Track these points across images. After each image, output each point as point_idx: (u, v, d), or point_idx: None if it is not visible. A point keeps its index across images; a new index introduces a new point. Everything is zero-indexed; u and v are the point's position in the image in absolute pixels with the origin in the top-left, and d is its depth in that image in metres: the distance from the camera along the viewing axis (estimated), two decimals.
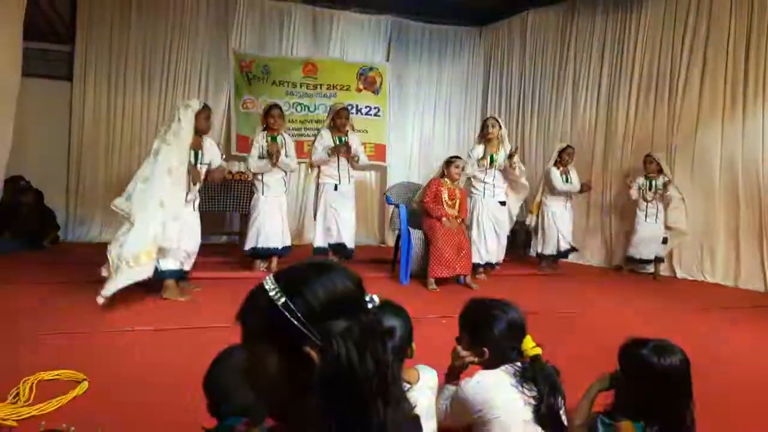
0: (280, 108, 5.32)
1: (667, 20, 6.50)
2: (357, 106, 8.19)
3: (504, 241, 5.78)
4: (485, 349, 1.63)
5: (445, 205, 5.24)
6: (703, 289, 5.69)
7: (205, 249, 6.43)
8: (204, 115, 4.21)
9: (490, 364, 1.61)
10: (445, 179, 5.34)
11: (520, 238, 7.81)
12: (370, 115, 8.30)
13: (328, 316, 0.83)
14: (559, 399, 1.55)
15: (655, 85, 6.60)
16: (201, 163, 4.31)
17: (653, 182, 6.15)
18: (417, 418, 0.98)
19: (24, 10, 3.92)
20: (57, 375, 2.40)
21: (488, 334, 1.62)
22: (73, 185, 7.16)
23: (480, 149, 5.61)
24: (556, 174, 6.30)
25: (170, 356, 2.85)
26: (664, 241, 6.14)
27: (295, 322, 0.81)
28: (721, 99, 5.98)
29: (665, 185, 6.07)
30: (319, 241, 5.45)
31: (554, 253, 6.38)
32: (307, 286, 0.85)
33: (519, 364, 1.57)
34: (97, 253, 4.63)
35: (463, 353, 1.71)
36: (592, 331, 3.71)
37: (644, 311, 4.51)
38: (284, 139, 5.31)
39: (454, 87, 8.92)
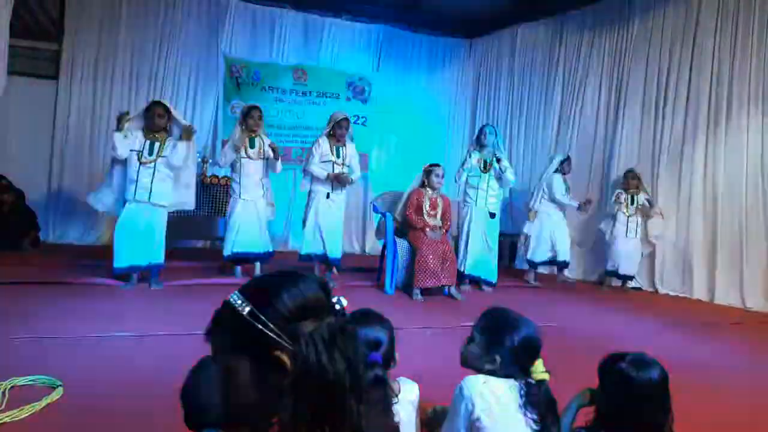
0: (260, 110, 5.24)
1: (653, 37, 6.60)
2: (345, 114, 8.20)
3: (496, 257, 5.76)
4: (498, 357, 1.58)
5: (426, 215, 5.20)
6: (686, 304, 5.74)
7: (186, 253, 6.51)
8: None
9: (497, 375, 1.58)
10: (426, 188, 5.32)
11: (504, 250, 7.85)
12: (358, 123, 8.31)
13: (296, 320, 0.85)
14: (557, 429, 1.53)
15: (642, 101, 6.69)
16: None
17: (635, 197, 6.22)
18: (391, 412, 0.98)
19: (12, 6, 3.87)
20: (31, 381, 2.34)
21: (507, 342, 1.57)
22: (55, 186, 7.06)
23: (476, 155, 5.67)
24: (559, 181, 6.35)
25: (149, 363, 2.80)
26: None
27: (263, 328, 0.82)
28: (705, 116, 6.06)
29: (649, 202, 6.19)
30: (307, 249, 5.36)
31: (545, 260, 6.39)
32: (274, 294, 0.86)
33: (523, 383, 1.53)
34: (78, 255, 4.59)
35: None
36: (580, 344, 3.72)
37: (628, 325, 4.53)
38: (262, 141, 5.22)
39: (443, 97, 8.98)
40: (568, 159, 6.53)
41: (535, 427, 1.49)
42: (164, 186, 4.59)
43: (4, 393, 2.19)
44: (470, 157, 5.68)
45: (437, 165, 5.38)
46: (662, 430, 1.50)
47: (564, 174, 6.44)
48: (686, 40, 6.28)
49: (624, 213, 6.21)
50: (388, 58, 8.58)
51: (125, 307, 3.96)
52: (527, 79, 8.13)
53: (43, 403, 2.14)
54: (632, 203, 6.21)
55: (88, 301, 3.98)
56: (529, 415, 1.49)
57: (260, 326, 0.82)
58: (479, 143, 5.70)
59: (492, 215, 5.66)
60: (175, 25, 7.46)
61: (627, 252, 6.21)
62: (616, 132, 6.94)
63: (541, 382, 1.54)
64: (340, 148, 5.36)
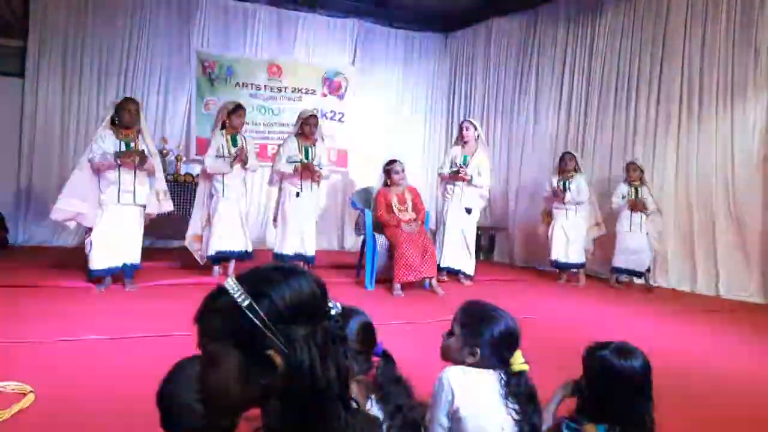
0: (244, 108, 5.22)
1: (625, 28, 6.68)
2: (322, 110, 8.13)
3: (473, 251, 5.85)
4: (477, 350, 1.58)
5: (397, 211, 5.21)
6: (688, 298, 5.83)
7: (160, 253, 6.39)
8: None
9: (477, 367, 1.58)
10: (390, 186, 5.32)
11: (481, 243, 7.92)
12: (335, 120, 8.26)
13: (292, 320, 0.82)
14: (538, 419, 1.54)
15: (614, 93, 6.77)
16: None
17: (638, 190, 5.90)
18: (377, 420, 0.97)
19: None
20: (1, 387, 2.27)
21: (486, 334, 1.58)
22: (24, 186, 6.86)
23: (457, 150, 5.81)
24: (551, 182, 6.22)
25: (124, 366, 2.73)
26: None
27: (260, 325, 0.80)
28: (677, 108, 6.16)
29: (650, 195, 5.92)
30: (280, 248, 5.33)
31: (563, 260, 6.13)
32: (273, 288, 0.83)
33: (503, 374, 1.54)
34: (48, 257, 4.47)
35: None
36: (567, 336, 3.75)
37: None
38: (244, 140, 5.21)
39: (419, 92, 8.97)
40: (566, 154, 6.26)
41: (516, 417, 1.49)
42: (145, 185, 4.51)
43: None
44: (446, 155, 5.86)
45: (394, 161, 5.41)
46: (644, 418, 1.52)
47: (563, 173, 6.15)
48: (657, 31, 6.36)
49: (627, 207, 5.87)
50: (364, 53, 8.52)
51: (99, 309, 3.86)
52: (503, 72, 8.17)
53: (14, 409, 2.07)
54: (636, 197, 5.87)
55: (59, 304, 3.88)
56: (510, 405, 1.50)
57: (258, 322, 0.80)
58: (462, 139, 5.87)
59: (468, 210, 5.79)
60: (145, 19, 7.29)
61: (634, 248, 5.83)
62: (589, 123, 7.02)
63: (520, 372, 1.55)
64: (309, 148, 5.31)
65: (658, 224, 5.97)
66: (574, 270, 6.19)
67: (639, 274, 5.94)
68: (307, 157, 5.26)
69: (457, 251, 5.71)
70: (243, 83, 7.77)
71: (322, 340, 0.83)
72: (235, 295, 0.82)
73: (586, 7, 7.14)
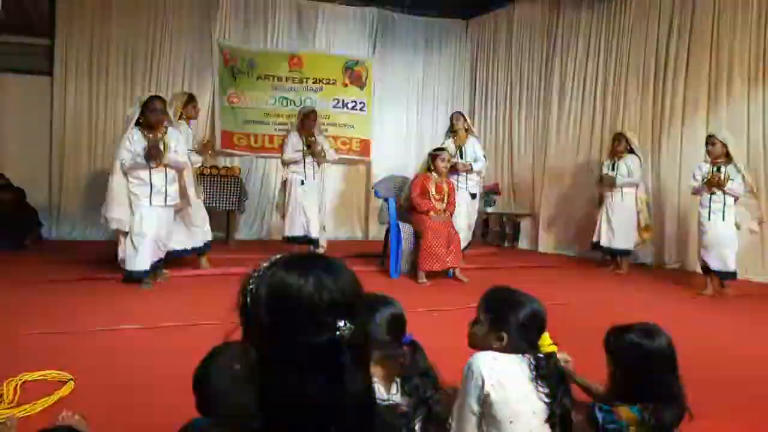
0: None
1: (652, 9, 6.52)
2: (343, 100, 8.16)
3: (470, 231, 6.24)
4: (504, 335, 1.58)
5: (432, 200, 5.23)
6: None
7: None
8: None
9: (505, 352, 1.58)
10: (432, 173, 5.33)
11: (506, 230, 7.90)
12: (356, 110, 8.26)
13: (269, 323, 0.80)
14: (569, 400, 1.54)
15: (641, 75, 6.62)
16: None
17: (722, 169, 4.75)
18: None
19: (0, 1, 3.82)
20: (42, 375, 2.35)
21: (512, 318, 1.58)
22: (56, 183, 7.04)
23: (449, 143, 6.10)
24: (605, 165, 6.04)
25: (158, 355, 2.80)
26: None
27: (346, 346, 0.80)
28: (706, 90, 6.01)
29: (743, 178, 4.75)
30: (290, 231, 5.70)
31: (605, 244, 5.92)
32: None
33: (532, 357, 1.54)
34: (80, 252, 4.59)
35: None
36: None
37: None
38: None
39: (441, 79, 8.91)
40: (618, 135, 6.00)
41: (546, 399, 1.49)
42: (175, 186, 4.46)
43: (15, 388, 2.20)
44: (444, 144, 6.09)
45: (443, 149, 5.52)
46: (677, 393, 1.53)
47: (614, 155, 5.94)
48: (684, 11, 6.20)
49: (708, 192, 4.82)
50: (385, 42, 8.49)
51: (132, 300, 3.96)
52: (525, 57, 8.05)
53: (55, 397, 2.15)
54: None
55: (96, 296, 3.99)
56: (540, 388, 1.50)
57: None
58: (452, 129, 6.28)
59: (474, 195, 6.19)
60: (168, 15, 7.39)
61: (719, 240, 4.75)
62: (618, 107, 6.88)
63: (549, 355, 1.55)
64: (310, 138, 5.74)
65: (754, 210, 4.88)
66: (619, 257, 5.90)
67: (725, 275, 4.73)
68: (308, 148, 5.71)
69: (463, 235, 5.80)
70: (265, 75, 7.82)
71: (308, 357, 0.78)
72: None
73: None
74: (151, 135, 4.29)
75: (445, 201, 5.30)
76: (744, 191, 4.71)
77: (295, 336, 0.78)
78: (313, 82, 8.04)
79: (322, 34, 8.17)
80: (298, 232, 5.67)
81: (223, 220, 7.24)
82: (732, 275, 4.73)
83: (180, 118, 5.00)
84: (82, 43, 7.03)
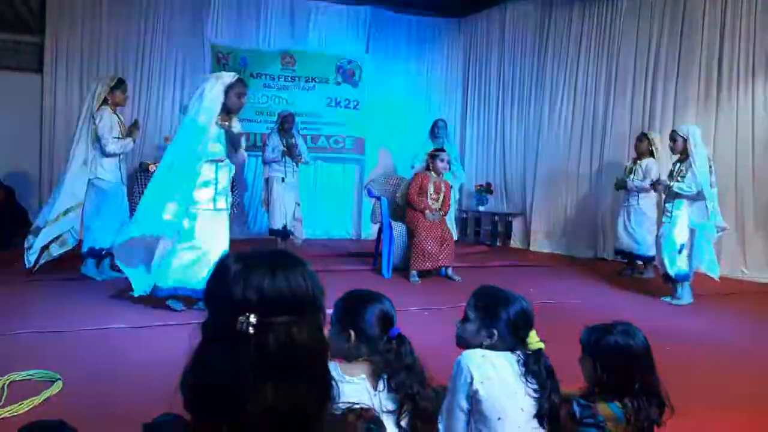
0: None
1: (643, 10, 6.55)
2: (336, 99, 8.14)
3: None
4: (495, 332, 1.60)
5: (429, 198, 5.26)
6: None
7: None
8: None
9: (495, 349, 1.60)
10: (431, 172, 5.35)
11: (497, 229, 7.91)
12: (349, 108, 8.24)
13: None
14: (558, 397, 1.56)
15: (632, 75, 6.65)
16: None
17: (677, 166, 4.70)
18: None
19: None
20: (30, 375, 2.33)
21: (502, 315, 1.61)
22: (46, 182, 6.97)
23: (428, 146, 6.28)
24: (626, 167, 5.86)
25: (147, 354, 2.79)
26: None
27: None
28: (696, 90, 6.05)
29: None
30: (272, 224, 6.15)
31: (620, 248, 5.80)
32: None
33: (521, 354, 1.57)
34: (70, 252, 4.54)
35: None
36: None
37: None
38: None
39: (434, 78, 8.91)
40: (641, 136, 5.81)
41: (535, 395, 1.51)
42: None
43: (3, 388, 2.18)
44: (422, 148, 6.32)
45: (442, 150, 5.55)
46: (658, 389, 1.58)
47: (638, 158, 5.75)
48: (675, 12, 6.24)
49: None
50: (378, 41, 8.48)
51: (119, 299, 3.93)
52: (518, 57, 8.07)
53: (43, 397, 2.14)
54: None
55: (84, 295, 3.96)
56: (529, 385, 1.52)
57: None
58: (433, 135, 6.62)
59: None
60: (159, 13, 7.33)
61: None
62: (608, 107, 6.92)
63: (538, 351, 1.57)
64: (290, 140, 6.24)
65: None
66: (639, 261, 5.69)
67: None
68: (288, 150, 6.13)
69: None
70: (257, 74, 7.78)
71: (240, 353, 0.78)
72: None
73: None
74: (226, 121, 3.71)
75: (441, 201, 5.33)
76: (690, 190, 4.41)
77: (215, 326, 0.83)
78: (306, 81, 8.01)
79: (314, 32, 8.15)
80: (279, 225, 6.11)
81: None
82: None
83: (104, 103, 4.54)
84: (72, 40, 6.97)
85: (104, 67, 7.11)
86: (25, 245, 4.33)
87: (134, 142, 4.79)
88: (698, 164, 4.39)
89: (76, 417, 1.98)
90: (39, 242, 4.30)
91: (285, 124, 6.24)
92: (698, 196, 4.39)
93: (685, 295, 4.47)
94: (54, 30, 6.89)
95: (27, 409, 2.04)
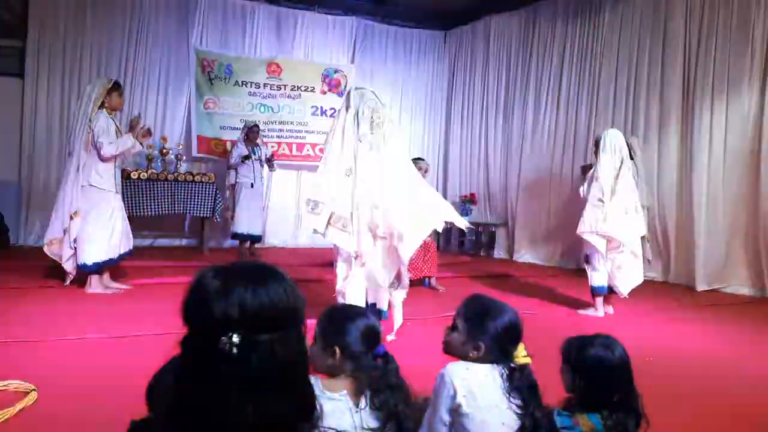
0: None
1: (624, 23, 6.67)
2: (322, 107, 8.14)
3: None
4: (482, 344, 1.58)
5: None
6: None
7: (158, 252, 6.48)
8: None
9: (481, 361, 1.58)
10: None
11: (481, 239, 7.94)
12: (335, 117, 8.23)
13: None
14: (541, 413, 1.54)
15: (614, 89, 6.76)
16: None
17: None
18: None
19: None
20: (4, 386, 2.28)
21: (490, 327, 1.58)
22: (25, 186, 6.85)
23: None
24: None
25: (124, 364, 2.73)
26: None
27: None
28: (678, 103, 6.14)
29: None
30: (236, 228, 6.44)
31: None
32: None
33: (506, 368, 1.54)
34: (46, 258, 4.45)
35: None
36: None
37: None
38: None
39: (419, 89, 8.97)
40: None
41: (518, 411, 1.49)
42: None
43: None
44: None
45: (421, 159, 5.48)
46: (637, 402, 1.57)
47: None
48: (656, 26, 6.36)
49: None
50: (364, 51, 8.53)
51: (96, 309, 3.86)
52: (502, 69, 8.16)
53: (17, 408, 2.08)
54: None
55: (58, 304, 3.88)
56: (512, 400, 1.50)
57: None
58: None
59: None
60: (144, 19, 7.29)
61: None
62: (590, 118, 7.01)
63: (523, 366, 1.56)
64: (254, 149, 6.61)
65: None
66: None
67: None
68: (254, 154, 6.53)
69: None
70: (242, 82, 7.76)
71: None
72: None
73: (584, 3, 7.13)
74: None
75: None
76: (583, 195, 4.52)
77: (195, 345, 0.82)
78: (292, 89, 8.01)
79: (301, 41, 8.17)
80: (244, 229, 6.41)
81: (198, 227, 7.18)
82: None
83: (101, 107, 4.33)
84: (54, 45, 6.88)
85: (87, 72, 7.03)
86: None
87: (141, 145, 4.54)
88: (600, 170, 4.31)
89: (51, 428, 1.94)
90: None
91: (251, 135, 6.59)
92: (598, 202, 4.27)
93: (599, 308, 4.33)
94: (36, 35, 6.81)
95: (1, 421, 1.99)
